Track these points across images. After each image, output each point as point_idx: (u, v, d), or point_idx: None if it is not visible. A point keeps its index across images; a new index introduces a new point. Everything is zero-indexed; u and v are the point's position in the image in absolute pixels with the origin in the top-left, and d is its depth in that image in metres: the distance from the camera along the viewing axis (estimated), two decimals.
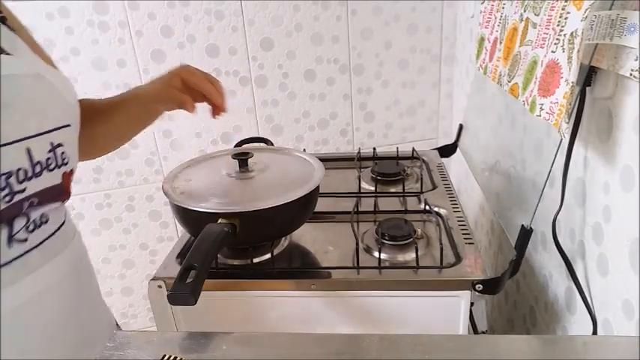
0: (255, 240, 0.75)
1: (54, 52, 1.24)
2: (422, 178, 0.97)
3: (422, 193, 0.94)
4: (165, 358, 0.48)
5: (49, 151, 0.51)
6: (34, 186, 0.49)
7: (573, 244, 0.73)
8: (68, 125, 0.55)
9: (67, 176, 0.55)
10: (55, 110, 0.53)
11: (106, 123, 0.71)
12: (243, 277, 0.73)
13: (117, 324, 0.71)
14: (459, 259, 0.73)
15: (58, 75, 0.56)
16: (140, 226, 1.55)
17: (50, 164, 0.51)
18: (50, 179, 0.51)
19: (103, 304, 0.67)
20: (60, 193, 0.54)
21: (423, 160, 1.08)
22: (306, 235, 0.84)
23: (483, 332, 0.74)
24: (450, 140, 1.25)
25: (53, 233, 0.54)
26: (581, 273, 0.71)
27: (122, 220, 1.53)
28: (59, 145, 0.52)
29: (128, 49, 1.32)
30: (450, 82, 1.54)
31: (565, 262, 0.73)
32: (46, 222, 0.53)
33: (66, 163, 0.54)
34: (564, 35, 0.60)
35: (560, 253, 0.73)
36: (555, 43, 0.62)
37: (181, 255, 0.79)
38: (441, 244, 0.72)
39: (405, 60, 1.49)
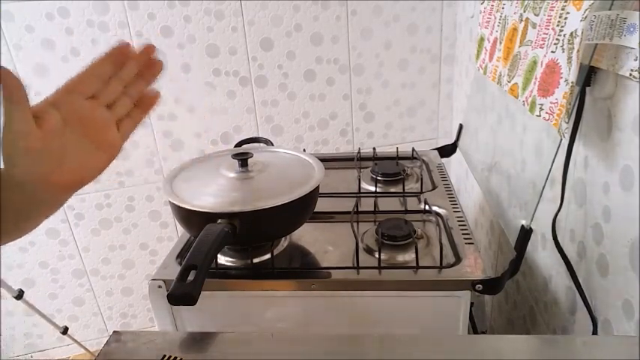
0: (255, 240, 0.75)
1: (54, 52, 1.24)
2: (422, 178, 0.97)
3: (422, 193, 0.94)
4: (165, 358, 0.48)
5: None
6: None
7: (573, 245, 0.73)
8: None
9: None
10: None
11: None
12: (243, 277, 0.73)
13: None
14: (458, 259, 0.73)
15: None
16: (140, 226, 1.55)
17: None
18: None
19: None
20: None
21: (423, 160, 1.08)
22: (306, 235, 0.84)
23: (483, 332, 0.74)
24: (450, 140, 1.25)
25: None
26: (581, 273, 0.71)
27: (122, 220, 1.53)
28: None
29: None
30: (450, 82, 1.54)
31: (565, 263, 0.73)
32: None
33: None
34: (564, 35, 0.60)
35: (560, 253, 0.73)
36: (555, 43, 0.62)
37: (181, 255, 0.79)
38: (440, 244, 0.72)
39: (405, 60, 1.49)
